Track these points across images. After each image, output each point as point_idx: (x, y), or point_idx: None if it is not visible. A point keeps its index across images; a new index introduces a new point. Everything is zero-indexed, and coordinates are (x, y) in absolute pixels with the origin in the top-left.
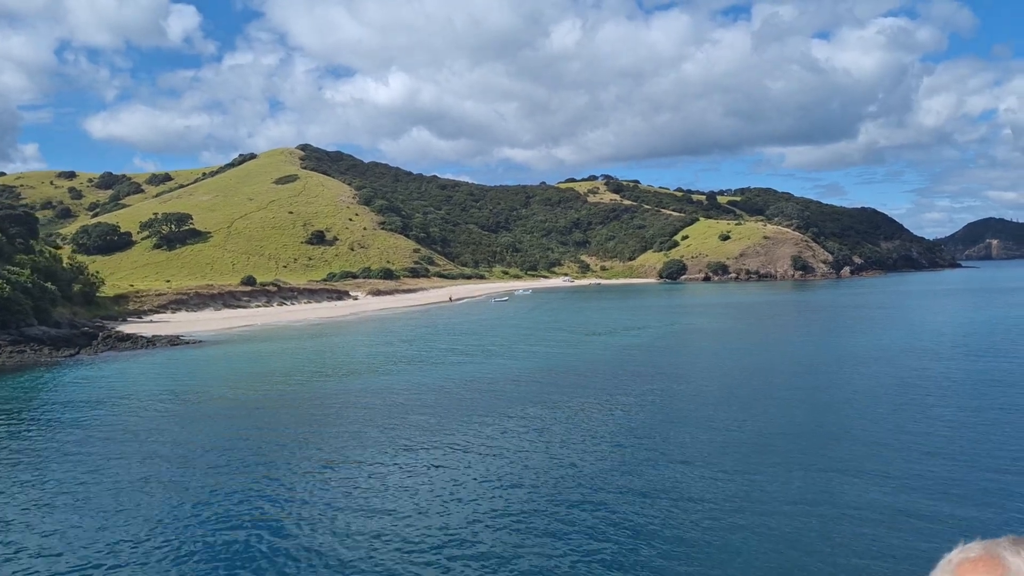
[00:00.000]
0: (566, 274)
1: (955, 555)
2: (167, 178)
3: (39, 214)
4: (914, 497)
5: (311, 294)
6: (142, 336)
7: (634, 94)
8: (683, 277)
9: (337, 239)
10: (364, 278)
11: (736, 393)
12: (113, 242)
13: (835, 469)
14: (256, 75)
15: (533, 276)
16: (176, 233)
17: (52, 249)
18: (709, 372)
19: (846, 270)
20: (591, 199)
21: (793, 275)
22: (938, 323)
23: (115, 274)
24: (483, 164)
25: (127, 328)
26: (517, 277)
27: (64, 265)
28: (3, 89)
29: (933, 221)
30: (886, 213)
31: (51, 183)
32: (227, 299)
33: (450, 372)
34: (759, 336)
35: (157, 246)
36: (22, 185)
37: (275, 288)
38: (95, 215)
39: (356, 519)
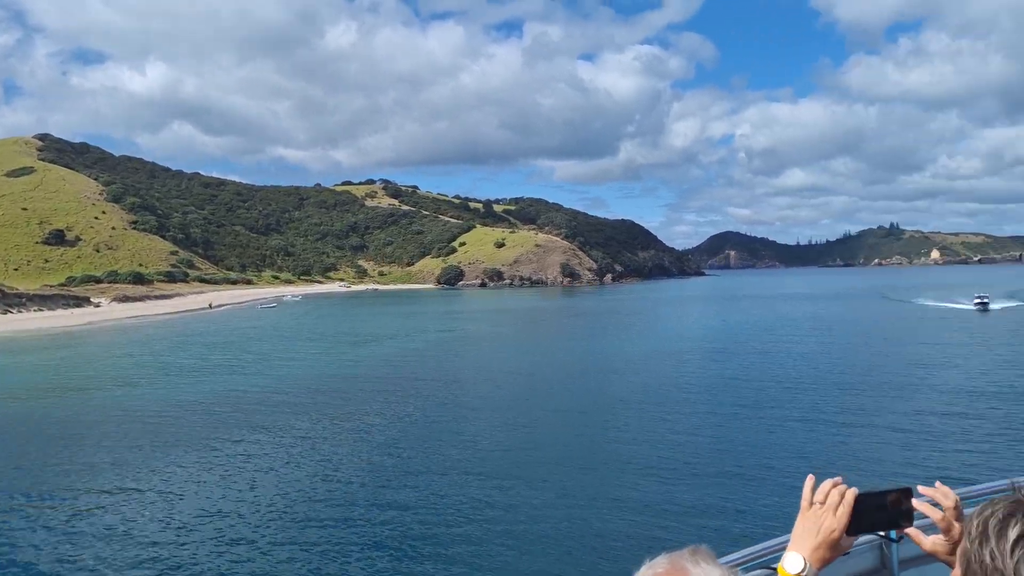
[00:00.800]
0: (342, 279)
1: (644, 570)
2: None
3: None
4: (649, 498)
5: (43, 300)
6: None
7: (412, 100)
8: (461, 283)
9: (80, 239)
10: (110, 283)
11: (497, 400)
12: None
13: (587, 474)
14: None
15: (307, 281)
16: None
17: None
18: (475, 379)
19: (608, 277)
20: (369, 203)
21: (562, 281)
22: (686, 327)
23: None
24: (254, 163)
25: None
26: (289, 282)
27: None
28: None
29: (682, 233)
30: (643, 225)
31: None
32: None
33: (192, 389)
34: (528, 342)
35: None
36: None
37: None
38: None
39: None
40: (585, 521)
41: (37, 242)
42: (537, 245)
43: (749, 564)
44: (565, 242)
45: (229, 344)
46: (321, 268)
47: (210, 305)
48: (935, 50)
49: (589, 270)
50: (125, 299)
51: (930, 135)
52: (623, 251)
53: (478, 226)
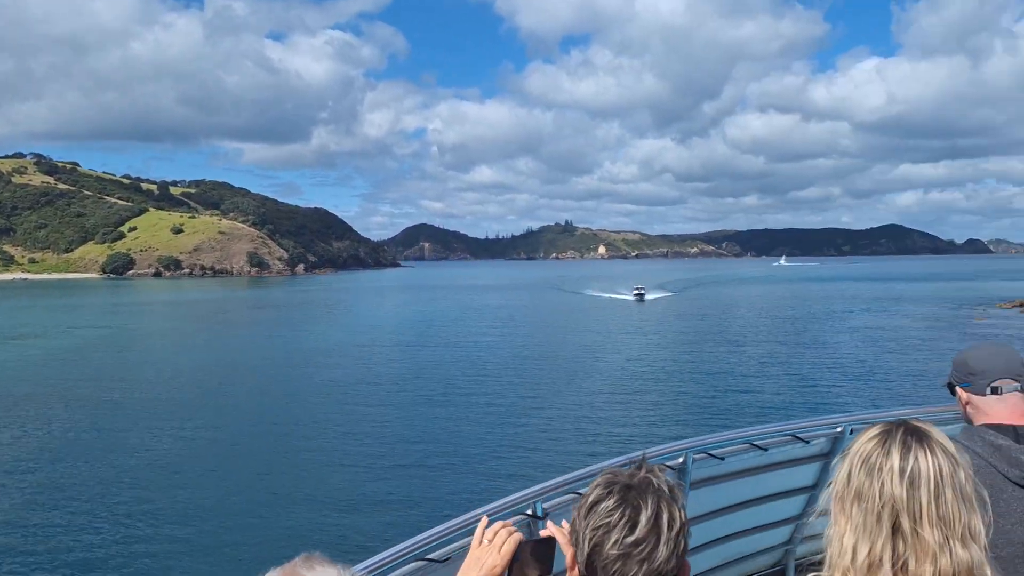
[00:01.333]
0: None
1: None
2: None
3: None
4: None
5: None
6: None
7: (74, 67)
8: (131, 272)
9: None
10: None
11: (169, 401)
12: None
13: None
14: None
15: None
16: None
17: None
18: (143, 380)
19: (301, 267)
20: (17, 180)
21: (250, 271)
22: (379, 319)
23: None
24: None
25: None
26: None
27: None
28: None
29: (378, 224)
30: (337, 215)
31: None
32: None
33: None
34: (208, 339)
35: None
36: None
37: None
38: None
39: None
40: (246, 524)
41: None
42: (221, 232)
43: (407, 556)
44: (253, 230)
45: None
46: None
47: None
48: (601, 64)
49: (279, 260)
50: None
51: (597, 142)
52: (316, 241)
53: (152, 210)
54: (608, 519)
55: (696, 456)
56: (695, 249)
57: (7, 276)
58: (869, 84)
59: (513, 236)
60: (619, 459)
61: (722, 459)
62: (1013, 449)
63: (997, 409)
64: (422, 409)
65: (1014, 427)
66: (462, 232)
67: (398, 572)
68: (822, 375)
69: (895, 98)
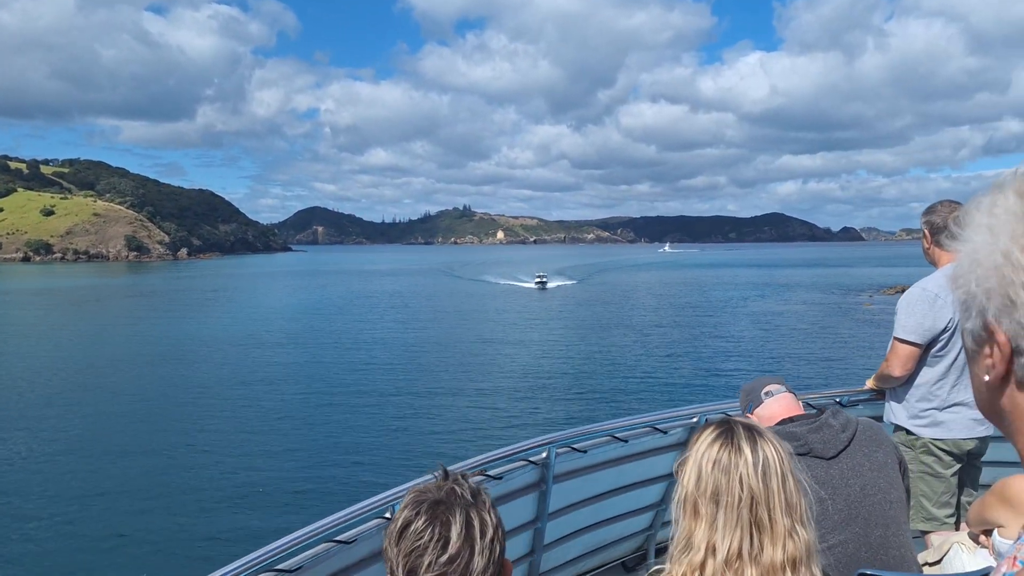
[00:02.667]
0: None
1: None
2: None
3: None
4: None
5: None
6: None
7: None
8: None
9: None
10: None
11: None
12: None
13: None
14: None
15: None
16: None
17: None
18: None
19: (183, 252)
20: None
21: (128, 256)
22: (267, 308)
23: None
24: None
25: None
26: None
27: None
28: None
29: (268, 207)
30: (224, 197)
31: None
32: None
33: None
34: (74, 330)
35: None
36: None
37: None
38: None
39: None
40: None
41: None
42: (96, 215)
43: (256, 567)
44: (131, 212)
45: None
46: None
47: None
48: (496, 48)
49: (160, 243)
50: None
51: (494, 126)
52: (201, 224)
53: (20, 190)
54: (419, 541)
55: (559, 450)
56: (591, 235)
57: None
58: (753, 77)
59: (410, 220)
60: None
61: (584, 452)
62: (782, 433)
63: (773, 409)
64: (287, 404)
65: (790, 418)
66: (357, 216)
67: None
68: (696, 364)
69: (777, 91)
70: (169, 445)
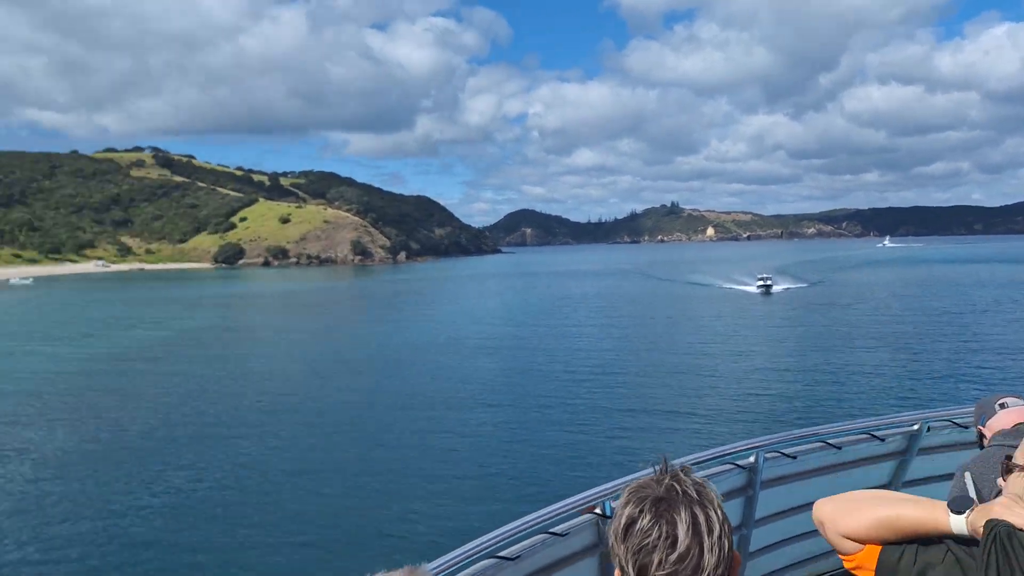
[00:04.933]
0: (100, 258)
1: None
2: None
3: None
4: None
5: None
6: None
7: (188, 62)
8: (241, 262)
9: None
10: None
11: (266, 402)
12: None
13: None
14: None
15: (56, 260)
16: None
17: None
18: (246, 377)
19: (402, 255)
20: (135, 173)
21: (353, 260)
22: (474, 309)
23: None
24: (3, 126)
25: None
26: (34, 262)
27: None
28: None
29: (480, 211)
30: (440, 202)
31: None
32: None
33: None
34: (312, 330)
35: None
36: None
37: None
38: None
39: None
40: (325, 520)
41: None
42: (326, 221)
43: (478, 554)
44: (356, 218)
45: None
46: (75, 245)
47: None
48: (706, 38)
49: (382, 248)
50: None
51: (703, 119)
52: (419, 228)
53: (262, 200)
54: (647, 539)
55: (768, 455)
56: (812, 229)
57: (125, 266)
58: (999, 51)
59: (616, 219)
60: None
61: (794, 458)
62: (1016, 433)
63: (1006, 421)
64: (501, 400)
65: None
66: (564, 216)
67: (469, 570)
68: (921, 369)
69: None
70: (394, 438)
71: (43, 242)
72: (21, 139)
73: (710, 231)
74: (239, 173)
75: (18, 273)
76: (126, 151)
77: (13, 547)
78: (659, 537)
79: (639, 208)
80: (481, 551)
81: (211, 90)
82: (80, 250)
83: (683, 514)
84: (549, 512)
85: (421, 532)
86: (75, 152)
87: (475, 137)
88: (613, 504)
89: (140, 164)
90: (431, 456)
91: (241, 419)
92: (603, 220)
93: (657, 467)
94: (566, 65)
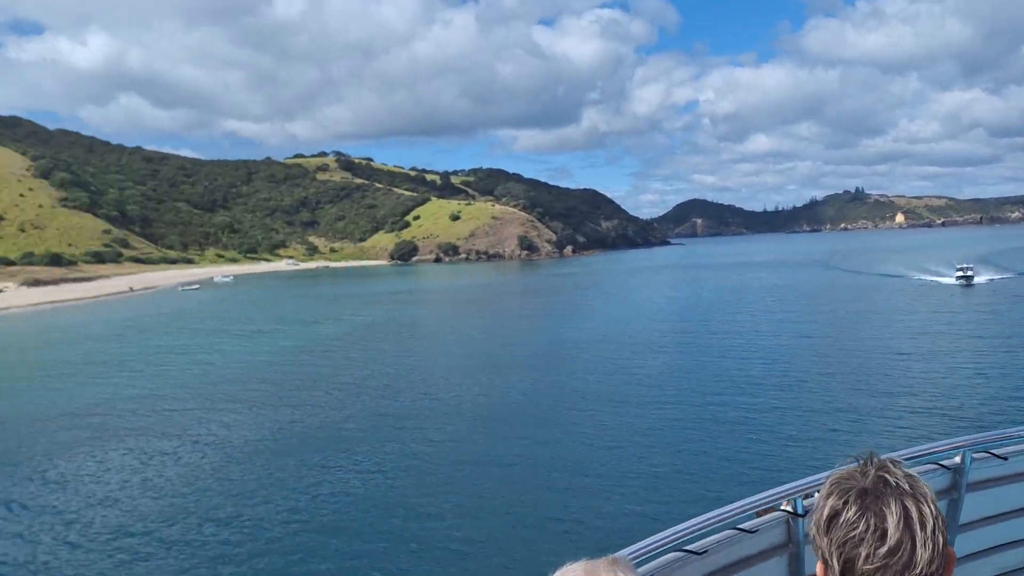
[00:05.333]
0: (291, 257)
1: (557, 574)
2: None
3: None
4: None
5: None
6: None
7: (366, 70)
8: (415, 258)
9: (3, 218)
10: (26, 265)
11: (448, 393)
12: None
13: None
14: None
15: (253, 260)
16: None
17: None
18: (421, 370)
19: (569, 249)
20: (320, 177)
21: (520, 254)
22: (640, 302)
23: None
24: (207, 137)
25: None
26: (234, 261)
27: None
28: None
29: (648, 202)
30: (607, 195)
31: None
32: None
33: (59, 396)
34: (482, 324)
35: None
36: None
37: None
38: None
39: None
40: (507, 509)
41: None
42: (494, 217)
43: (665, 546)
44: (523, 213)
45: (114, 337)
46: (269, 245)
47: (131, 288)
48: (892, 12)
49: (548, 242)
50: (36, 283)
51: (890, 98)
52: (585, 222)
53: (433, 199)
54: (853, 532)
55: (975, 455)
56: (1016, 214)
57: (312, 264)
58: None
59: (794, 207)
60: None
61: (1006, 459)
62: None
63: None
64: (680, 395)
65: None
66: (737, 206)
67: (655, 562)
68: None
69: None
70: (570, 432)
71: (242, 243)
72: (223, 148)
73: (899, 218)
74: (413, 173)
75: (220, 272)
76: (313, 156)
77: (213, 525)
78: (866, 530)
79: (819, 195)
80: (668, 544)
81: (387, 95)
82: (273, 250)
83: (893, 507)
84: (737, 507)
85: (604, 525)
86: (268, 159)
87: (643, 127)
88: (805, 502)
89: (325, 168)
90: (610, 450)
91: (416, 411)
92: (780, 208)
93: (861, 460)
94: (738, 49)
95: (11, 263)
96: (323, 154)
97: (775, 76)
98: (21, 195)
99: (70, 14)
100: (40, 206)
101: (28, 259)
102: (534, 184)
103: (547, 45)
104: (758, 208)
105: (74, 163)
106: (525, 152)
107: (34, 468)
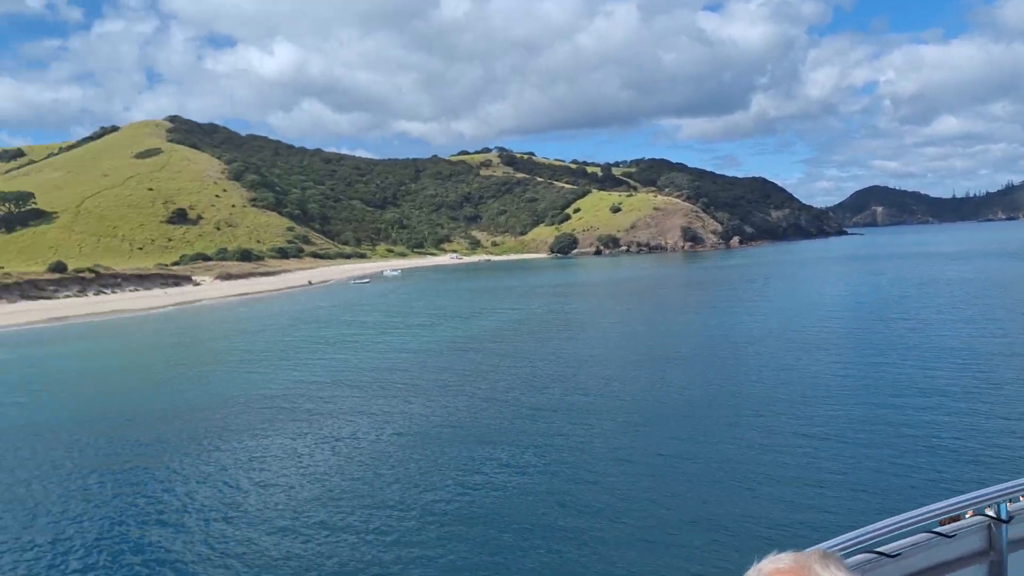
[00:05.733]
0: (455, 251)
1: (766, 563)
2: (19, 154)
3: None
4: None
5: (140, 280)
6: None
7: (529, 66)
8: (574, 251)
9: (202, 217)
10: (220, 260)
11: (617, 387)
12: None
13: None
14: (128, 44)
15: (420, 254)
16: (15, 214)
17: None
18: (585, 361)
19: (735, 240)
20: (483, 172)
21: (683, 246)
22: (827, 298)
23: None
24: (380, 138)
25: None
26: (403, 255)
27: None
28: None
29: (823, 190)
30: (777, 183)
31: None
32: (26, 289)
33: (248, 380)
34: (644, 318)
35: None
36: None
37: (92, 275)
38: None
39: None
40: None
41: (161, 221)
42: (656, 208)
43: (856, 547)
44: (687, 204)
45: (290, 326)
46: (435, 240)
47: (309, 282)
48: None
49: (713, 233)
50: (228, 277)
51: None
52: (753, 211)
53: (593, 191)
54: None
55: None
56: None
57: (475, 258)
58: None
59: (988, 193)
60: None
61: None
62: None
63: None
64: (858, 396)
65: None
66: (921, 192)
67: (846, 562)
68: None
69: None
70: (745, 426)
71: (410, 238)
72: (394, 148)
73: None
74: (574, 166)
75: (389, 266)
76: (476, 152)
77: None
78: None
79: (1016, 179)
80: (859, 544)
81: (549, 89)
82: (439, 244)
83: None
84: (934, 510)
85: (791, 522)
86: (435, 156)
87: (816, 112)
88: (1010, 507)
89: (488, 164)
90: (792, 445)
91: (573, 405)
92: (970, 194)
93: None
94: (921, 26)
95: (208, 258)
96: (486, 150)
97: (965, 52)
98: (217, 196)
99: (259, 27)
100: (233, 206)
101: (222, 255)
102: (699, 173)
103: (712, 31)
104: (945, 194)
105: (262, 166)
106: (689, 141)
107: (231, 447)
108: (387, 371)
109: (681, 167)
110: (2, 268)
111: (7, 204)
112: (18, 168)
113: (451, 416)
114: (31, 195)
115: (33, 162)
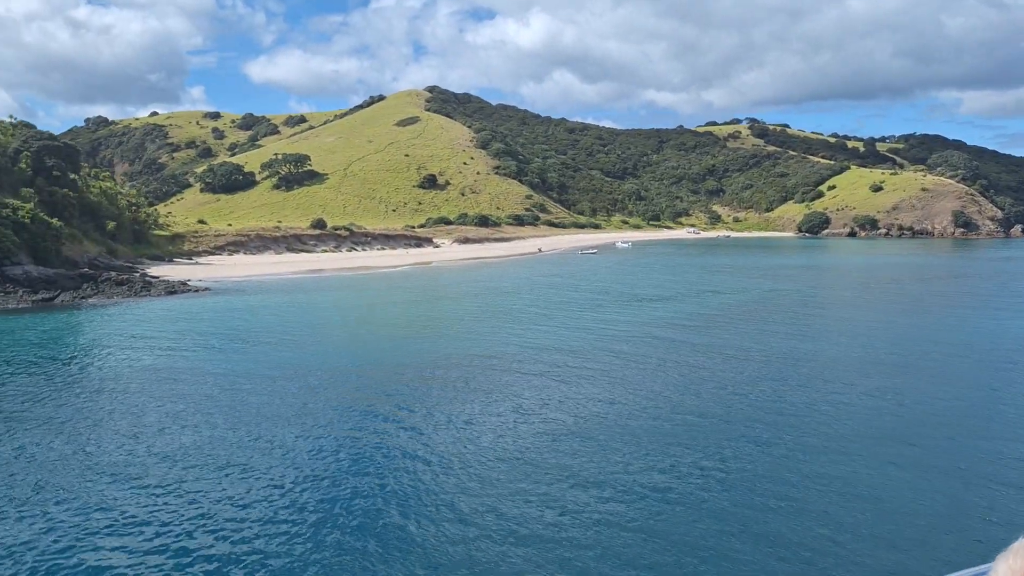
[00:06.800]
0: (692, 225)
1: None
2: (302, 120)
3: (183, 153)
4: None
5: (387, 240)
6: (149, 278)
7: (790, 32)
8: (825, 231)
9: (449, 183)
10: (460, 224)
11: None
12: (237, 182)
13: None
14: (399, 18)
15: (655, 227)
16: (294, 174)
17: (104, 184)
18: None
19: (1017, 228)
20: (731, 144)
21: (953, 232)
22: None
23: (234, 212)
24: (626, 108)
25: (165, 269)
26: (637, 227)
27: (121, 202)
28: (170, 33)
29: None
30: None
31: (197, 123)
32: (291, 242)
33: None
34: (894, 312)
35: (276, 187)
36: (171, 124)
37: (347, 232)
38: (233, 155)
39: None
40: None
41: (414, 186)
42: (924, 189)
43: None
44: (961, 186)
45: (511, 292)
46: (672, 213)
47: (539, 250)
48: None
49: (991, 219)
50: (465, 240)
51: None
52: None
53: (853, 168)
54: None
55: None
56: None
57: (713, 233)
58: None
59: None
60: None
61: None
62: None
63: None
64: None
65: None
66: None
67: None
68: None
69: None
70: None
71: (647, 210)
72: (640, 118)
73: None
74: (832, 140)
75: (621, 237)
76: (725, 124)
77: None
78: None
79: None
80: None
81: (811, 58)
82: (676, 218)
83: None
84: None
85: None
86: (680, 127)
87: None
88: None
89: (736, 136)
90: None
91: (791, 407)
92: None
93: None
94: None
95: (449, 222)
96: (736, 121)
97: None
98: (464, 163)
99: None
100: (478, 173)
101: (463, 219)
102: (979, 152)
103: None
104: None
105: (508, 135)
106: (970, 116)
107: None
108: (592, 348)
109: (959, 144)
110: (281, 222)
111: (288, 165)
112: (300, 133)
113: (651, 400)
114: (307, 157)
115: (312, 127)
